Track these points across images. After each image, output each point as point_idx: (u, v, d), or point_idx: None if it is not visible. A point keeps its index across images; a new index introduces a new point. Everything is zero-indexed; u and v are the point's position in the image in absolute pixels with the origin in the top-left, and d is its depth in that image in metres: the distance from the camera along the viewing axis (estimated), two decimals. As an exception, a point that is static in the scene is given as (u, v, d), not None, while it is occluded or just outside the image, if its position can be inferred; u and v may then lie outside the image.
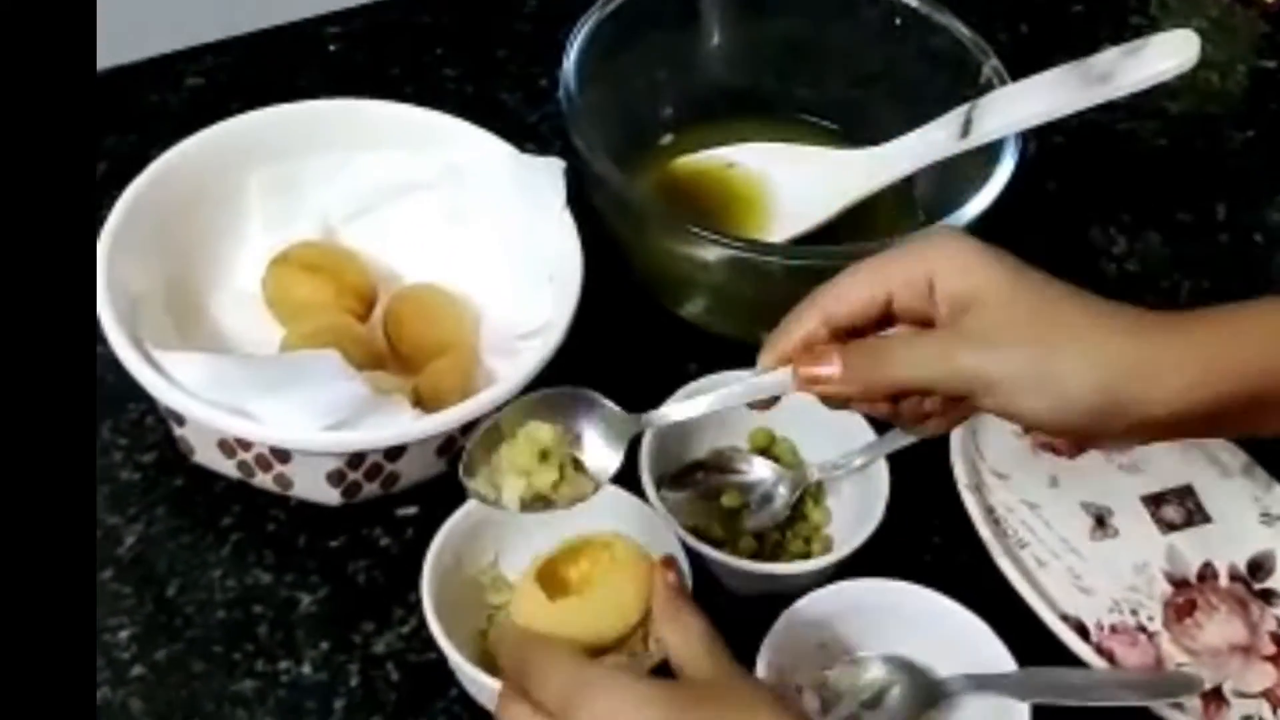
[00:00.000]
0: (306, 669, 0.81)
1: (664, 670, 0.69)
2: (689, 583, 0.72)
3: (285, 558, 0.85)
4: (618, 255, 0.95)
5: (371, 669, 0.81)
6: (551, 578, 0.72)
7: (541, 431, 0.70)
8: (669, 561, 0.70)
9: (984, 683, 0.78)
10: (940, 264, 0.67)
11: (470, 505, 0.79)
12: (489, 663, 0.77)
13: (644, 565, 0.70)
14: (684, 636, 0.66)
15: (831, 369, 0.67)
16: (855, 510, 0.86)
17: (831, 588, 0.80)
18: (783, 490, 0.88)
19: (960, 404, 0.68)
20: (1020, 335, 0.65)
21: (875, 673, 0.80)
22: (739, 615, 0.74)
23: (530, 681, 0.64)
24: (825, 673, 0.80)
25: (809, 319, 0.69)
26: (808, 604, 0.79)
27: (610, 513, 0.78)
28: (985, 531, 0.85)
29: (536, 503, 0.70)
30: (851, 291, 0.69)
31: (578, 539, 0.72)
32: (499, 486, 0.70)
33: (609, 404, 0.71)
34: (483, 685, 0.74)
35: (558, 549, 0.73)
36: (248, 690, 0.80)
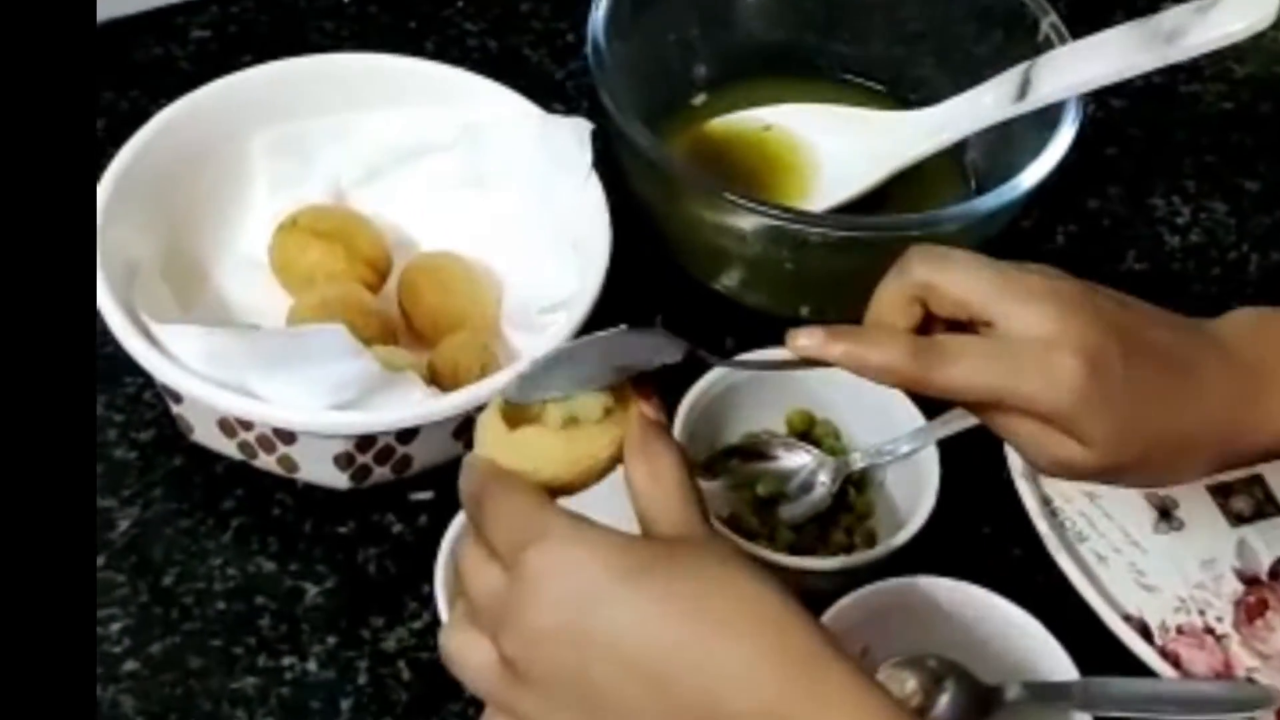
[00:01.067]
0: (312, 666, 0.78)
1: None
2: (667, 419, 0.63)
3: (290, 545, 0.83)
4: (647, 223, 0.93)
5: (381, 667, 0.79)
6: (514, 412, 0.62)
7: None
8: (646, 391, 0.61)
9: (1041, 692, 0.74)
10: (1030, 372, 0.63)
11: None
12: None
13: (631, 400, 0.62)
14: (653, 478, 0.59)
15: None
16: (901, 500, 0.83)
17: (875, 585, 0.76)
18: (823, 478, 0.84)
19: None
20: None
21: (922, 678, 0.75)
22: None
23: (483, 520, 0.58)
24: (868, 678, 0.75)
25: (907, 288, 0.65)
26: (850, 603, 0.75)
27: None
28: (1041, 524, 0.82)
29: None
30: (960, 281, 0.65)
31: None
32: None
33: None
34: None
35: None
36: (248, 688, 0.77)
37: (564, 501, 0.59)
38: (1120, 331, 0.63)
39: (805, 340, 0.63)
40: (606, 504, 0.63)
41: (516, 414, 0.61)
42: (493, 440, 0.61)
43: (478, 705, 0.70)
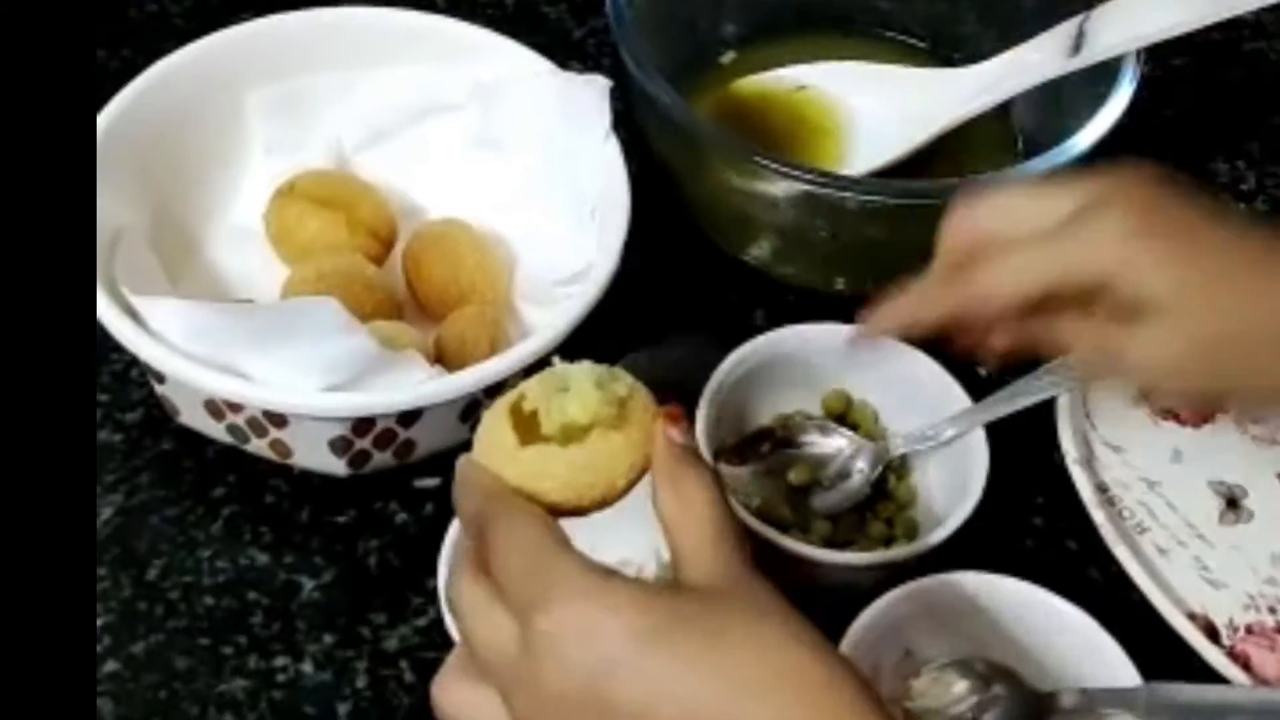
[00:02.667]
0: (307, 667, 0.76)
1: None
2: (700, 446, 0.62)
3: (285, 536, 0.80)
4: (671, 189, 0.92)
5: (382, 668, 0.76)
6: (526, 420, 0.58)
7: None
8: (674, 413, 0.58)
9: (1101, 700, 0.71)
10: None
11: None
12: None
13: (644, 412, 0.58)
14: (684, 511, 0.56)
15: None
16: (946, 489, 0.80)
17: (917, 582, 0.73)
18: (862, 465, 0.80)
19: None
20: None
21: (970, 683, 0.72)
22: (809, 611, 0.66)
23: (488, 553, 0.55)
24: (910, 682, 0.73)
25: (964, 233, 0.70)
26: (889, 601, 0.72)
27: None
28: (1098, 514, 0.79)
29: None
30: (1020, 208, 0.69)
31: (562, 370, 0.59)
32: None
33: None
34: None
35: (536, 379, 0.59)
36: (238, 691, 0.75)
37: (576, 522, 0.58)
38: (1178, 204, 0.65)
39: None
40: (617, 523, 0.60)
41: (528, 422, 0.57)
42: (498, 450, 0.57)
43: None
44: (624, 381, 0.58)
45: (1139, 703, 0.70)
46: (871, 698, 0.52)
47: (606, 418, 0.56)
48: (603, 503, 0.57)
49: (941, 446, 0.80)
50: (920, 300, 0.70)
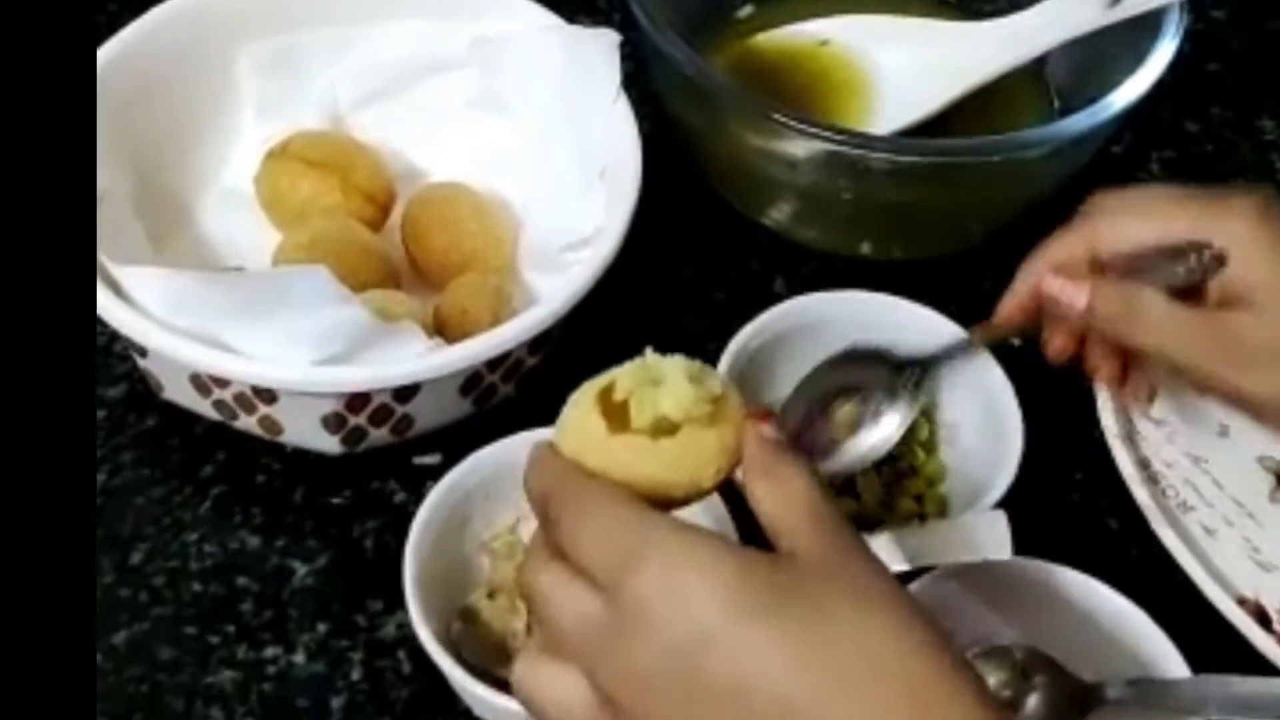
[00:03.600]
0: (299, 657, 0.74)
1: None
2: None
3: (277, 517, 0.79)
4: (685, 150, 0.92)
5: (378, 658, 0.74)
6: (616, 410, 0.58)
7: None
8: (764, 412, 0.58)
9: (1149, 692, 0.68)
10: (1240, 240, 0.68)
11: (491, 448, 0.72)
12: (494, 656, 0.70)
13: (735, 412, 0.58)
14: (784, 499, 0.55)
15: (1079, 298, 0.69)
16: (978, 465, 0.77)
17: (950, 565, 0.71)
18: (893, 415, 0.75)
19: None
20: None
21: (1008, 673, 0.70)
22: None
23: (570, 533, 0.54)
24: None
25: (1074, 242, 0.71)
26: (921, 587, 0.70)
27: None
28: (1140, 493, 0.77)
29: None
30: (1135, 230, 0.70)
31: (654, 361, 0.59)
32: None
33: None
34: (478, 698, 0.66)
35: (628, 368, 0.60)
36: (226, 683, 0.73)
37: None
38: None
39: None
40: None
41: (616, 411, 0.57)
42: (584, 436, 0.57)
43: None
44: (717, 379, 0.58)
45: (1189, 695, 0.68)
46: (972, 689, 0.50)
47: (700, 415, 0.56)
48: (684, 501, 0.57)
49: (973, 420, 0.78)
50: (1045, 255, 0.72)
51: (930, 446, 0.80)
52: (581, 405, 0.57)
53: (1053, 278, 0.70)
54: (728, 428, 0.57)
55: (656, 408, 0.56)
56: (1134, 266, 0.69)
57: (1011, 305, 0.72)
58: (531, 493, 0.56)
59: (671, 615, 0.50)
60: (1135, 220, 0.70)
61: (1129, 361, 0.74)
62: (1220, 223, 0.68)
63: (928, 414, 0.80)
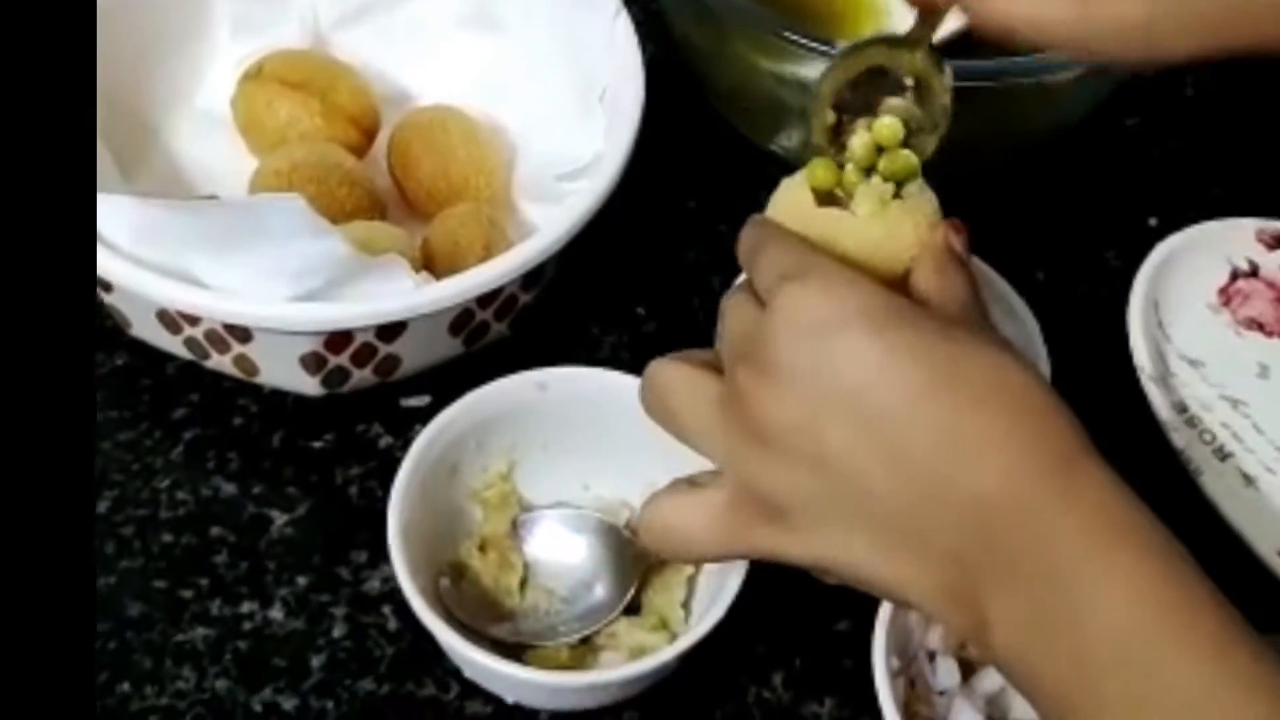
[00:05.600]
0: (277, 613, 0.72)
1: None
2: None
3: (254, 462, 0.77)
4: (689, 72, 0.91)
5: (362, 614, 0.72)
6: (825, 197, 0.63)
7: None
8: (962, 227, 0.63)
9: None
10: None
11: (483, 390, 0.70)
12: (486, 614, 0.69)
13: (933, 213, 0.63)
14: (948, 290, 0.59)
15: None
16: None
17: None
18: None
19: None
20: None
21: None
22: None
23: (755, 268, 0.59)
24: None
25: None
26: None
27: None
28: (1177, 437, 0.76)
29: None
30: None
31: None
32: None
33: None
34: (468, 659, 0.64)
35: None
36: (198, 641, 0.71)
37: None
38: None
39: None
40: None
41: (825, 199, 0.62)
42: (788, 207, 0.62)
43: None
44: (920, 181, 0.62)
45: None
46: (1096, 451, 0.52)
47: (911, 188, 0.61)
48: (880, 279, 0.60)
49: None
50: None
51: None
52: (792, 184, 0.62)
53: None
54: (924, 222, 0.61)
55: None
56: None
57: None
58: (740, 250, 0.61)
59: (813, 316, 0.54)
60: None
61: None
62: None
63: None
